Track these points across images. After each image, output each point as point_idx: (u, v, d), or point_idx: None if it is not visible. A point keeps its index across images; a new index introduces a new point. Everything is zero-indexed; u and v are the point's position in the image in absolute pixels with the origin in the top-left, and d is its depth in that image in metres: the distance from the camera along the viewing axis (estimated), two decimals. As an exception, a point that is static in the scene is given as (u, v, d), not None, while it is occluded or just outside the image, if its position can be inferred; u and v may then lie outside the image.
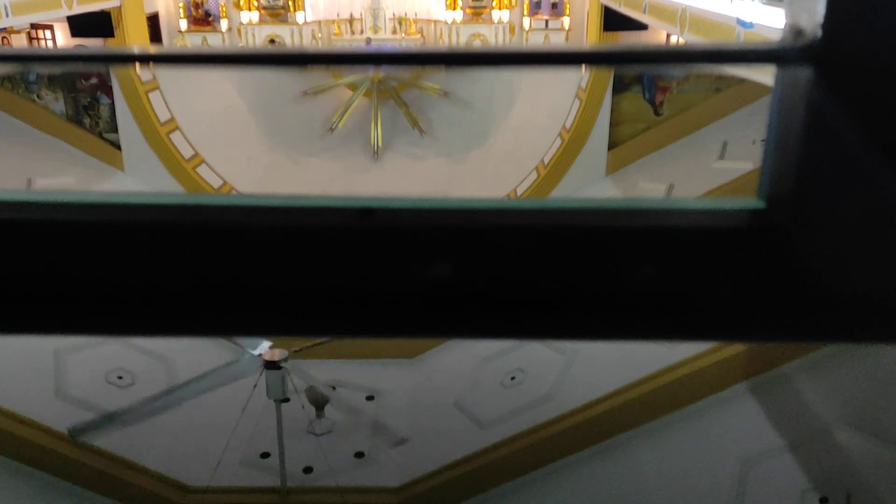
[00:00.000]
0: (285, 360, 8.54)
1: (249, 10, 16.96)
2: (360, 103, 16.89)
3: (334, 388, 10.15)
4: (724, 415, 8.62)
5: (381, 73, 15.75)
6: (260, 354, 8.52)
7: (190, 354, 10.58)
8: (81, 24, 14.76)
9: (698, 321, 0.78)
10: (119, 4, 14.51)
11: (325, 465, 9.28)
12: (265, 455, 9.64)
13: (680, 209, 0.77)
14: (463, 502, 9.04)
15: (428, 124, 17.02)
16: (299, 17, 17.15)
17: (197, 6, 17.11)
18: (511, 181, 15.79)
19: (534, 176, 15.67)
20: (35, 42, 16.57)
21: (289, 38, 17.06)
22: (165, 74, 14.90)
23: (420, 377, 11.31)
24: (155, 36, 16.73)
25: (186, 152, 15.27)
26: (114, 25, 14.68)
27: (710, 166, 12.96)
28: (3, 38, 15.71)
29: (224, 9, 17.13)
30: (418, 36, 17.58)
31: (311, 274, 0.77)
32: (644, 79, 14.35)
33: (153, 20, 16.65)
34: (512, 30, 17.29)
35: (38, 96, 14.90)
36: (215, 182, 15.52)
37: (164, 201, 0.78)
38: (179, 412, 9.98)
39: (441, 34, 17.53)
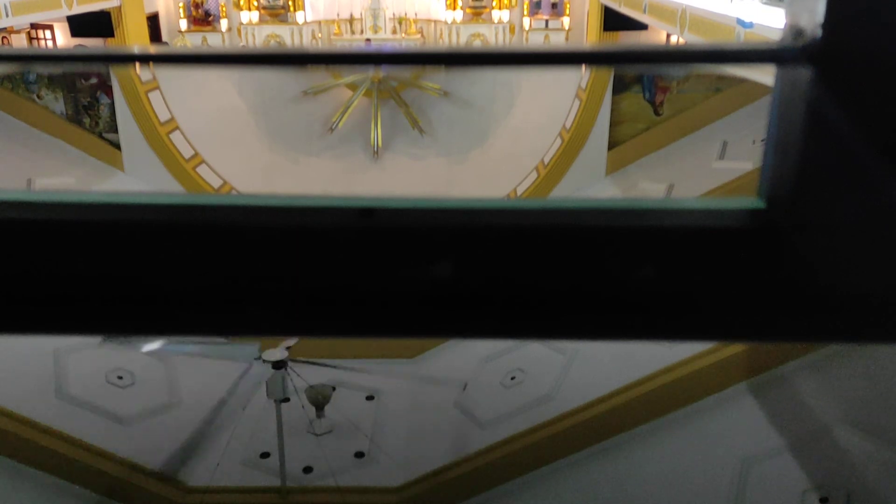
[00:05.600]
0: (285, 359, 8.54)
1: (249, 10, 16.96)
2: (360, 103, 16.89)
3: (334, 388, 10.15)
4: (724, 415, 8.62)
5: (381, 73, 15.76)
6: (260, 356, 8.52)
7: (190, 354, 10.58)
8: (81, 24, 14.77)
9: (698, 321, 0.78)
10: (119, 4, 14.52)
11: (325, 465, 9.28)
12: (265, 455, 9.64)
13: (680, 209, 0.77)
14: (463, 502, 9.04)
15: (428, 124, 17.02)
16: (299, 17, 17.16)
17: (197, 6, 17.11)
18: (511, 181, 15.79)
19: (534, 176, 15.67)
20: (35, 42, 16.58)
21: (289, 38, 17.07)
22: (165, 74, 14.90)
23: (420, 377, 11.30)
24: (155, 36, 16.74)
25: (186, 152, 15.27)
26: (114, 25, 14.69)
27: (710, 166, 12.96)
28: (3, 38, 15.71)
29: (224, 9, 17.13)
30: (418, 36, 17.58)
31: (311, 274, 0.77)
32: (644, 79, 14.36)
33: (153, 20, 16.66)
34: (512, 30, 17.30)
35: (38, 96, 14.90)
36: (215, 182, 15.52)
37: (164, 201, 0.78)
38: (179, 412, 10.00)
39: (441, 34, 17.54)
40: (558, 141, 15.42)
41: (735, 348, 8.74)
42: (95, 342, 10.32)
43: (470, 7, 17.15)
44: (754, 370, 8.73)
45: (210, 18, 17.18)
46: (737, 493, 7.96)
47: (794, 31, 0.74)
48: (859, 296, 0.74)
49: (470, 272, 0.76)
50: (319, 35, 17.70)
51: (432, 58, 0.93)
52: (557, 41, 16.98)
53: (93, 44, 15.12)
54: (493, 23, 17.08)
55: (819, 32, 0.70)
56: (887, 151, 0.70)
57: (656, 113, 14.55)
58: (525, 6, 17.26)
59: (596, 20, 15.34)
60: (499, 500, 9.02)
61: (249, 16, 16.99)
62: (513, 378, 10.58)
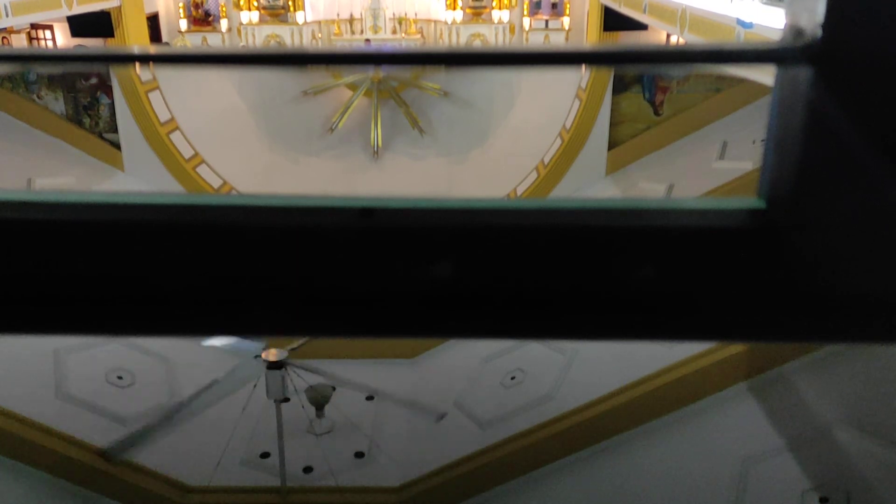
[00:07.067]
0: (285, 360, 8.53)
1: (249, 10, 16.96)
2: (360, 103, 16.89)
3: (334, 388, 10.14)
4: (724, 415, 8.62)
5: (381, 73, 15.76)
6: (259, 356, 8.52)
7: (190, 355, 10.58)
8: (81, 24, 14.77)
9: (698, 321, 0.78)
10: (119, 4, 14.52)
11: (325, 465, 9.28)
12: (265, 455, 9.64)
13: (680, 209, 0.77)
14: (463, 502, 9.04)
15: (428, 124, 17.02)
16: (299, 17, 17.16)
17: (197, 6, 17.11)
18: (511, 181, 15.80)
19: (534, 176, 15.67)
20: (35, 42, 16.58)
21: (289, 38, 17.06)
22: (165, 74, 14.91)
23: (420, 377, 11.30)
24: (155, 36, 16.74)
25: (186, 152, 15.27)
26: (114, 25, 14.69)
27: (710, 166, 12.97)
28: (3, 38, 15.71)
29: (224, 9, 17.13)
30: (418, 36, 17.58)
31: (311, 274, 0.77)
32: (644, 79, 14.36)
33: (153, 20, 16.66)
34: (512, 30, 17.30)
35: (38, 96, 14.90)
36: (215, 182, 15.52)
37: (164, 201, 0.78)
38: (179, 412, 9.98)
39: (441, 34, 17.54)
40: (558, 141, 15.42)
41: (735, 348, 8.74)
42: (95, 342, 10.33)
43: (470, 7, 17.16)
44: (754, 370, 8.73)
45: (210, 18, 17.19)
46: (737, 493, 7.96)
47: (794, 31, 0.74)
48: (859, 296, 0.74)
49: (470, 272, 0.76)
50: (319, 35, 17.70)
51: (432, 58, 0.93)
52: (557, 41, 16.98)
53: (93, 44, 15.12)
54: (493, 23, 17.09)
55: (819, 32, 0.70)
56: (887, 151, 0.70)
57: (656, 113, 14.55)
58: (525, 6, 17.26)
59: (596, 20, 15.34)
60: (499, 500, 9.02)
61: (249, 16, 16.99)
62: (513, 378, 10.58)
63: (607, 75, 14.02)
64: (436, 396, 10.69)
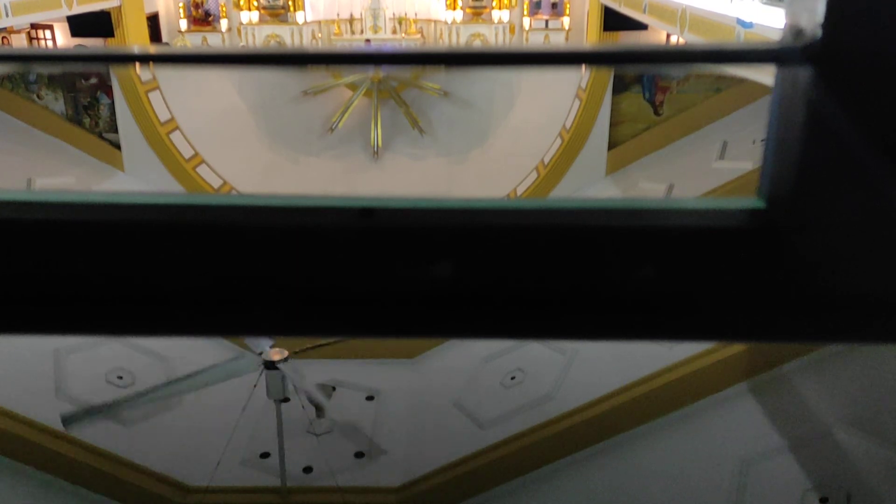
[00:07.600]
0: (285, 359, 8.53)
1: (249, 10, 16.97)
2: (360, 103, 16.89)
3: (334, 388, 10.15)
4: (724, 415, 8.62)
5: (381, 73, 15.77)
6: (260, 354, 8.52)
7: (190, 354, 10.58)
8: (81, 24, 14.78)
9: (698, 321, 0.78)
10: (119, 4, 14.52)
11: (325, 465, 9.28)
12: (265, 455, 9.64)
13: (680, 209, 0.77)
14: (463, 502, 9.04)
15: (428, 124, 17.02)
16: (299, 17, 17.17)
17: (197, 6, 17.12)
18: (511, 181, 15.80)
19: (534, 176, 15.67)
20: (35, 42, 16.59)
21: (289, 38, 17.07)
22: (165, 74, 14.91)
23: (420, 377, 11.30)
24: (155, 36, 16.75)
25: (186, 152, 15.27)
26: (114, 25, 14.69)
27: (710, 166, 12.97)
28: (3, 38, 15.71)
29: (224, 9, 17.14)
30: (418, 36, 17.59)
31: (311, 274, 0.77)
32: (644, 79, 14.36)
33: (153, 20, 16.66)
34: (512, 30, 17.31)
35: (38, 96, 14.90)
36: (215, 182, 15.52)
37: (164, 201, 0.78)
38: (179, 412, 10.00)
39: (441, 34, 17.55)
40: (558, 141, 15.42)
41: (735, 348, 8.74)
42: (95, 342, 10.33)
43: (470, 7, 17.17)
44: (754, 370, 8.73)
45: (210, 18, 17.19)
46: (737, 493, 7.96)
47: (794, 31, 0.74)
48: (859, 296, 0.74)
49: (470, 272, 0.76)
50: (319, 35, 17.71)
51: (432, 58, 0.93)
52: (557, 41, 16.99)
53: (93, 44, 15.12)
54: (493, 23, 17.09)
55: (819, 32, 0.70)
56: (887, 151, 0.70)
57: (656, 113, 14.55)
58: (525, 6, 17.27)
59: (596, 20, 15.35)
60: (499, 500, 9.02)
61: (249, 16, 16.99)
62: (513, 378, 10.58)
63: (607, 75, 14.02)
64: (436, 396, 10.70)
